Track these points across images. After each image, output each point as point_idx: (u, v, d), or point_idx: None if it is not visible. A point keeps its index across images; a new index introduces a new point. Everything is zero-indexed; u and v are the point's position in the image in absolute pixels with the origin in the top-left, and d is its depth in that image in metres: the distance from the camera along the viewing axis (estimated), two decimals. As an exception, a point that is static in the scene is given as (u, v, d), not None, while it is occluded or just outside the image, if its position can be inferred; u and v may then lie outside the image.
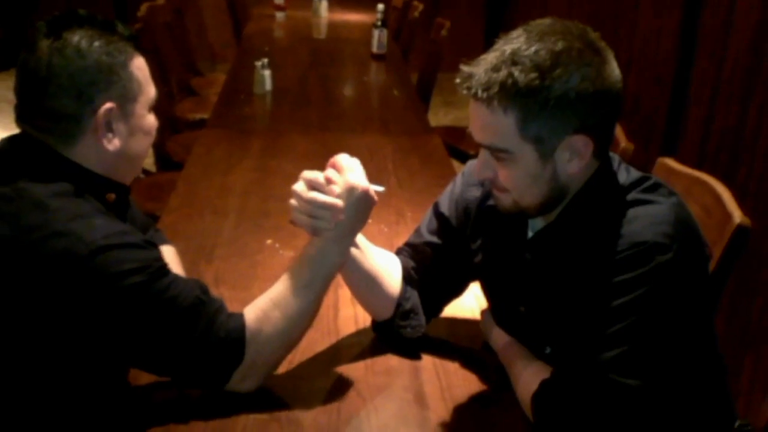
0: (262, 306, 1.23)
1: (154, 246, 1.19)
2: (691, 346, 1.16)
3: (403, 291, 1.40)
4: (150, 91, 1.24)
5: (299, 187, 1.25)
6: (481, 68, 1.12)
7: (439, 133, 2.94)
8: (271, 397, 1.26)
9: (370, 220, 1.92)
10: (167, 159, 3.09)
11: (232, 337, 1.18)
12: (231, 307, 1.22)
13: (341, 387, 1.31)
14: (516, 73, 1.08)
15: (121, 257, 1.09)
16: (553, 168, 1.15)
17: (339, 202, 1.23)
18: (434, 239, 1.43)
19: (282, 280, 1.25)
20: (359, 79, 3.75)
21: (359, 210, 1.26)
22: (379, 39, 3.86)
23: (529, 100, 1.09)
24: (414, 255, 1.45)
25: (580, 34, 1.12)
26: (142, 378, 1.25)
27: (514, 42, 1.11)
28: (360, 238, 1.36)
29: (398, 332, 1.40)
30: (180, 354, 1.16)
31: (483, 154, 1.19)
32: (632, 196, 1.17)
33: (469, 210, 1.40)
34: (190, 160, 2.40)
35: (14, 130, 1.21)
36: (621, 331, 1.09)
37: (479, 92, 1.11)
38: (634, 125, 3.46)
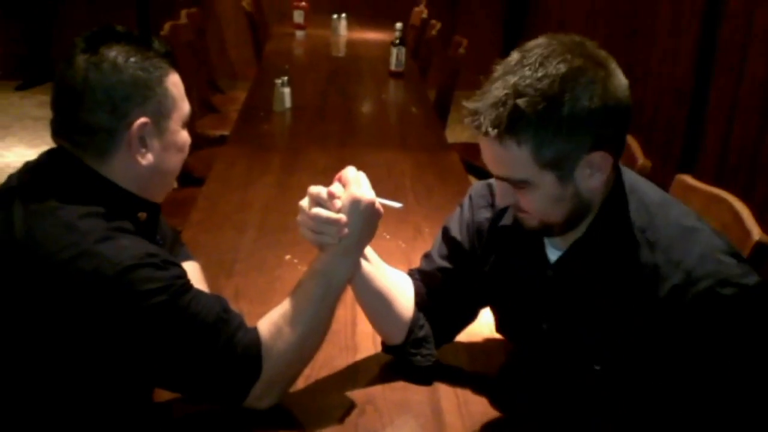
0: (275, 321, 1.23)
1: (177, 264, 1.19)
2: None
3: (416, 318, 1.39)
4: (184, 107, 1.26)
5: (304, 203, 1.26)
6: (487, 103, 1.09)
7: (457, 150, 2.95)
8: (289, 412, 1.27)
9: (387, 236, 1.95)
10: (188, 175, 3.12)
11: (249, 353, 1.19)
12: (251, 321, 1.23)
13: (359, 403, 1.31)
14: (523, 106, 1.06)
15: (145, 277, 1.10)
16: (574, 187, 1.13)
17: (342, 217, 1.23)
18: (446, 264, 1.41)
19: (292, 295, 1.26)
20: (377, 97, 3.78)
21: (365, 222, 1.26)
22: (397, 57, 3.89)
23: (541, 129, 1.08)
24: (426, 281, 1.43)
25: (579, 51, 1.10)
26: (164, 394, 1.26)
27: (516, 71, 1.09)
28: (373, 256, 1.36)
29: (409, 359, 1.38)
30: (199, 370, 1.17)
31: (501, 184, 1.18)
32: (676, 218, 1.16)
33: (482, 232, 1.38)
34: (211, 175, 2.43)
35: (39, 147, 1.24)
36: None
37: (489, 130, 1.09)
38: (652, 141, 3.45)
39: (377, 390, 1.35)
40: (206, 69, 4.42)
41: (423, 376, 1.38)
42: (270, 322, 1.24)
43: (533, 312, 1.30)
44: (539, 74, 1.07)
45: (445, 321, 1.42)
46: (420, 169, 2.57)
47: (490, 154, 1.13)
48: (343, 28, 5.05)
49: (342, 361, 1.43)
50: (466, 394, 1.35)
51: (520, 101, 1.07)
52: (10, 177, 1.22)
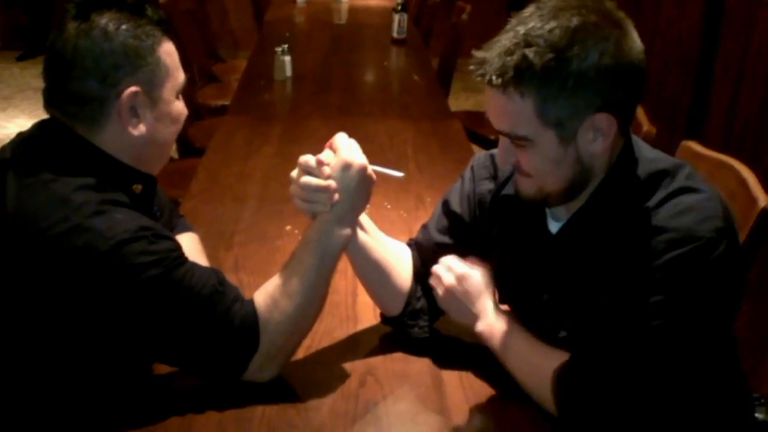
0: (271, 293, 1.22)
1: (170, 238, 1.18)
2: (719, 333, 1.15)
3: (414, 289, 1.38)
4: (178, 77, 1.23)
5: (295, 173, 1.24)
6: (495, 52, 1.07)
7: (460, 118, 2.92)
8: (289, 383, 1.27)
9: (389, 206, 1.94)
10: (189, 145, 3.11)
11: (246, 326, 1.18)
12: (250, 292, 1.23)
13: (359, 373, 1.31)
14: (531, 56, 1.04)
15: (138, 251, 1.09)
16: (575, 150, 1.11)
17: (331, 183, 1.21)
18: (445, 239, 1.38)
19: (287, 266, 1.24)
20: (379, 64, 3.73)
21: (358, 187, 1.24)
22: (399, 23, 3.84)
23: (547, 82, 1.05)
24: (423, 253, 1.40)
25: (595, 7, 1.07)
26: (163, 367, 1.26)
27: (527, 21, 1.07)
28: (370, 226, 1.34)
29: (406, 331, 1.38)
30: (196, 344, 1.16)
31: (503, 140, 1.16)
32: (678, 182, 1.12)
33: (484, 203, 1.35)
34: (211, 146, 2.41)
35: (41, 117, 1.21)
36: (660, 326, 1.07)
37: (494, 78, 1.06)
38: (657, 107, 3.41)
39: (378, 361, 1.35)
40: (207, 38, 4.38)
41: (422, 348, 1.37)
42: (266, 294, 1.22)
43: (534, 282, 1.28)
44: (550, 25, 1.05)
45: None
46: (422, 138, 2.54)
47: (494, 105, 1.11)
48: (344, -5, 4.98)
49: (342, 332, 1.42)
50: (466, 365, 1.34)
51: (528, 51, 1.04)
52: (3, 148, 1.21)
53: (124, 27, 1.15)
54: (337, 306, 1.48)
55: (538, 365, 1.20)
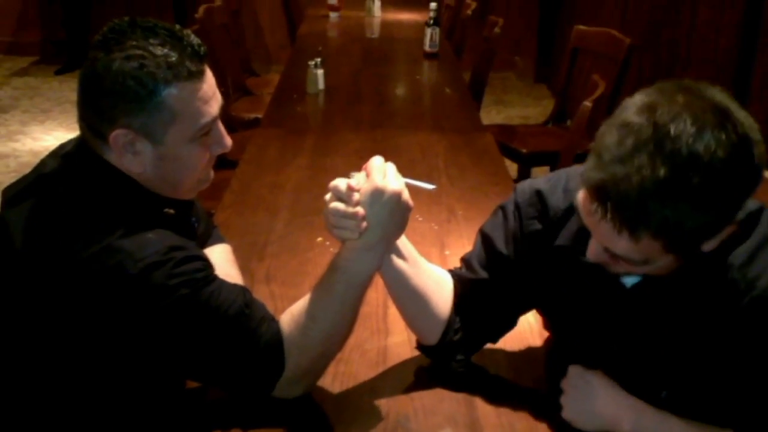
0: (296, 316, 1.20)
1: (200, 257, 1.17)
2: None
3: (452, 320, 1.31)
4: (193, 120, 1.15)
5: (328, 197, 1.20)
6: (621, 191, 0.94)
7: (491, 132, 2.91)
8: (319, 395, 1.27)
9: (420, 218, 1.94)
10: (222, 157, 3.13)
11: (271, 349, 1.17)
12: (282, 304, 1.23)
13: (390, 386, 1.31)
14: (687, 213, 0.94)
15: (167, 273, 1.09)
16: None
17: (359, 210, 1.16)
18: (488, 275, 1.29)
19: (314, 290, 1.21)
20: (411, 78, 3.74)
21: (390, 214, 1.18)
22: (431, 37, 3.85)
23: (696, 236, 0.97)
24: (466, 287, 1.32)
25: (728, 124, 0.94)
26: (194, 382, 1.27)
27: (655, 153, 0.93)
28: (410, 253, 1.28)
29: (442, 361, 1.34)
30: (222, 364, 1.16)
31: (601, 246, 1.05)
32: (765, 227, 1.06)
33: (533, 244, 1.25)
34: (244, 158, 2.43)
35: (76, 131, 1.22)
36: None
37: (624, 227, 0.96)
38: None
39: (408, 373, 1.34)
40: (241, 51, 4.43)
41: (458, 381, 1.32)
42: (291, 317, 1.20)
43: (602, 332, 1.20)
44: (692, 164, 0.92)
45: (483, 329, 1.33)
46: (454, 151, 2.54)
47: (608, 237, 1.00)
48: (377, 9, 5.02)
49: (373, 344, 1.42)
50: (500, 379, 1.33)
51: (682, 205, 0.93)
52: (45, 162, 1.22)
53: (132, 65, 1.10)
54: (368, 318, 1.48)
55: None
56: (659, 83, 1.02)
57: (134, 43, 1.11)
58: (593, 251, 1.08)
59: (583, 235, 1.09)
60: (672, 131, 0.93)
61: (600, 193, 0.97)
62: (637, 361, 1.17)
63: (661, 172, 0.92)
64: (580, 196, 1.03)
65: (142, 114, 1.12)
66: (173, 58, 1.12)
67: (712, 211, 0.96)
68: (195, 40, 1.16)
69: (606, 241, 1.02)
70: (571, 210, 1.18)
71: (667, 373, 1.15)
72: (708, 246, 1.01)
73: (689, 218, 0.95)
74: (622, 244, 1.00)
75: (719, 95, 0.98)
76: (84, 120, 1.17)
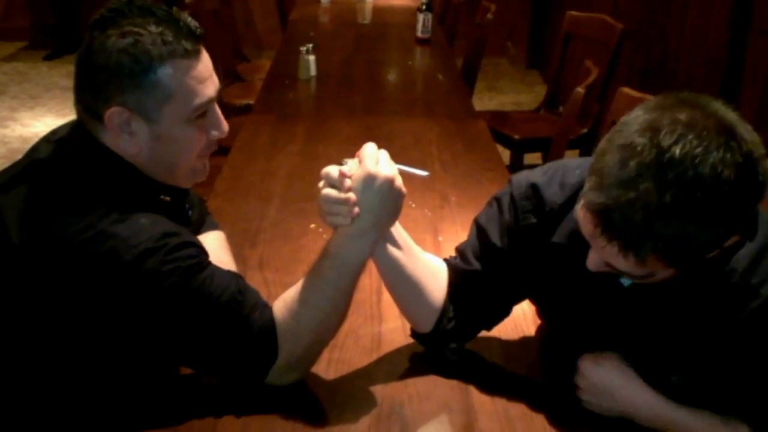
0: (289, 303, 1.20)
1: (193, 243, 1.17)
2: None
3: (446, 308, 1.31)
4: (189, 100, 1.14)
5: (320, 183, 1.20)
6: (627, 216, 0.93)
7: (484, 118, 2.90)
8: (313, 381, 1.27)
9: (413, 205, 1.93)
10: (213, 144, 3.12)
11: (264, 336, 1.17)
12: (275, 290, 1.23)
13: (384, 372, 1.31)
14: (694, 233, 0.93)
15: (161, 259, 1.09)
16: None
17: (350, 196, 1.16)
18: (482, 266, 1.29)
19: (307, 275, 1.21)
20: (404, 64, 3.73)
21: (382, 201, 1.17)
22: (423, 23, 3.83)
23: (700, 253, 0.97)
24: (460, 276, 1.32)
25: (736, 145, 0.93)
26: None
27: (659, 177, 0.91)
28: (404, 241, 1.28)
29: (436, 349, 1.34)
30: (215, 351, 1.16)
31: (600, 259, 1.04)
32: (765, 232, 1.05)
33: (528, 237, 1.24)
34: (236, 144, 2.42)
35: (68, 117, 1.22)
36: None
37: (630, 250, 0.95)
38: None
39: (402, 359, 1.34)
40: (232, 37, 4.40)
41: (452, 367, 1.33)
42: (284, 304, 1.20)
43: (598, 327, 1.21)
44: (698, 187, 0.91)
45: (477, 318, 1.33)
46: (447, 137, 2.54)
47: (611, 255, 1.00)
48: (369, -6, 4.98)
49: (366, 330, 1.42)
50: (493, 363, 1.33)
51: (689, 226, 0.92)
52: (38, 147, 1.21)
53: (127, 41, 1.10)
54: (362, 304, 1.48)
55: None
56: (660, 97, 1.00)
57: (130, 21, 1.12)
58: (594, 263, 1.06)
59: (580, 234, 1.07)
60: (677, 154, 0.91)
61: (604, 217, 0.96)
62: (636, 355, 1.18)
63: (667, 197, 0.91)
64: (581, 215, 1.02)
65: (137, 91, 1.11)
66: (169, 36, 1.12)
67: (718, 228, 0.95)
68: (192, 21, 1.16)
69: (609, 259, 1.01)
70: (567, 205, 1.18)
71: (668, 366, 1.16)
72: (711, 254, 1.00)
73: (696, 237, 0.94)
74: (626, 264, 0.99)
75: (722, 110, 0.96)
76: (80, 102, 1.16)
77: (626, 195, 0.93)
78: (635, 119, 0.97)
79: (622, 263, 0.99)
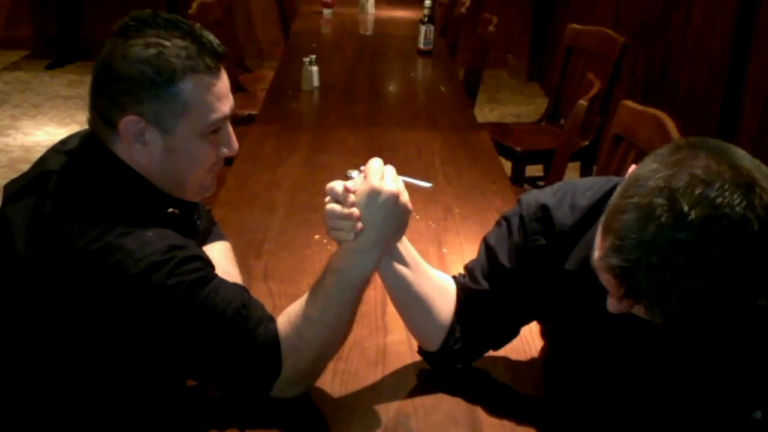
0: (293, 318, 1.19)
1: (199, 257, 1.16)
2: None
3: (454, 328, 1.29)
4: (205, 116, 1.16)
5: (326, 198, 1.19)
6: (655, 278, 0.92)
7: (485, 130, 2.91)
8: (318, 394, 1.27)
9: (417, 216, 1.93)
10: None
11: (268, 350, 1.17)
12: (280, 301, 1.22)
13: (390, 384, 1.31)
14: (721, 288, 0.91)
15: (167, 273, 1.09)
16: None
17: (354, 212, 1.15)
18: (490, 287, 1.28)
19: (311, 290, 1.21)
20: (406, 75, 3.74)
21: (387, 216, 1.17)
22: (425, 35, 3.85)
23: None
24: (468, 295, 1.30)
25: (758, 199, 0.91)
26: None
27: (682, 246, 0.90)
28: (413, 256, 1.27)
29: (442, 368, 1.33)
30: (218, 365, 1.16)
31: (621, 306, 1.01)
32: None
33: (537, 258, 1.23)
34: (240, 155, 2.41)
35: (70, 126, 1.24)
36: None
37: (657, 309, 0.94)
38: (687, 123, 3.38)
39: (408, 372, 1.34)
40: (234, 47, 4.41)
41: (457, 382, 1.32)
42: (288, 319, 1.20)
43: (606, 355, 1.19)
44: (723, 249, 0.90)
45: (485, 338, 1.32)
46: (450, 149, 2.54)
47: (636, 309, 0.99)
48: (371, 6, 5.00)
49: (371, 342, 1.42)
50: (499, 378, 1.33)
51: (720, 281, 0.91)
52: (47, 158, 1.21)
53: (150, 52, 1.11)
54: (367, 316, 1.48)
55: None
56: (675, 144, 0.99)
57: (155, 32, 1.13)
58: (614, 306, 1.03)
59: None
60: (697, 216, 0.90)
61: (627, 279, 0.95)
62: (640, 388, 1.16)
63: (692, 260, 0.90)
64: (601, 275, 1.00)
65: (156, 102, 1.12)
66: (192, 51, 1.13)
67: (745, 279, 0.93)
68: (215, 39, 1.17)
69: (633, 310, 1.00)
70: (577, 228, 1.17)
71: (669, 401, 1.14)
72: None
73: (722, 291, 0.93)
74: (653, 316, 0.98)
75: (738, 158, 0.94)
76: (95, 108, 1.17)
77: (650, 259, 0.92)
78: (651, 175, 0.94)
79: (647, 315, 0.98)
